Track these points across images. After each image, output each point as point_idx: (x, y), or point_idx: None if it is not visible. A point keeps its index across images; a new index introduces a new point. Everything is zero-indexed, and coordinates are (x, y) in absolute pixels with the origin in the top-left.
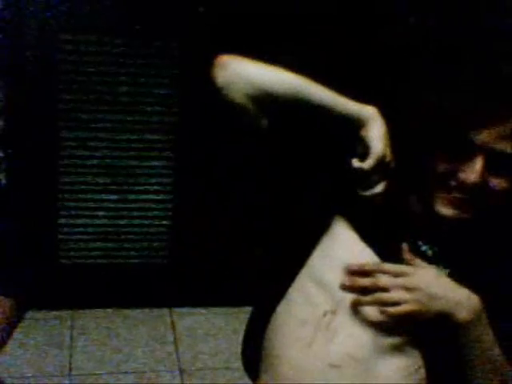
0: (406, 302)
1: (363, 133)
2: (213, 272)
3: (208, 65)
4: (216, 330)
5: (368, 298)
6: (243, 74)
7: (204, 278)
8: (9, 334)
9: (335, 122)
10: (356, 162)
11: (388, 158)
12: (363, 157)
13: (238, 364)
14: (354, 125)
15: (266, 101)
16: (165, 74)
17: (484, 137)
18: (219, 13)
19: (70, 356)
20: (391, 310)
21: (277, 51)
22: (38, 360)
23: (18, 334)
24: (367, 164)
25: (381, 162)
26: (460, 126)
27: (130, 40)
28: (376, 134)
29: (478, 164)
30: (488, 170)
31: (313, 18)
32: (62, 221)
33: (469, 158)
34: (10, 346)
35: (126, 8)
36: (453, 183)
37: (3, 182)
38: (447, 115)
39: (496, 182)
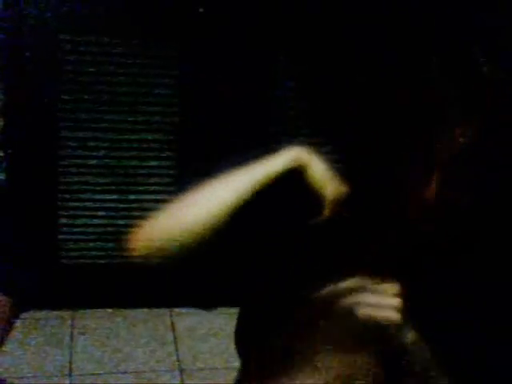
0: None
1: (306, 178)
2: (213, 272)
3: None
4: (216, 330)
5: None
6: (179, 227)
7: (204, 278)
8: (8, 334)
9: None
10: (316, 220)
11: (339, 192)
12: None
13: (238, 364)
14: (296, 174)
15: (214, 225)
16: (165, 74)
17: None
18: (219, 13)
19: (70, 356)
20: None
21: (277, 50)
22: (38, 360)
23: (18, 333)
24: (326, 213)
25: (336, 199)
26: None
27: (130, 40)
28: (317, 176)
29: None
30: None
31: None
32: (62, 221)
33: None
34: (9, 346)
35: (125, 9)
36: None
37: (3, 180)
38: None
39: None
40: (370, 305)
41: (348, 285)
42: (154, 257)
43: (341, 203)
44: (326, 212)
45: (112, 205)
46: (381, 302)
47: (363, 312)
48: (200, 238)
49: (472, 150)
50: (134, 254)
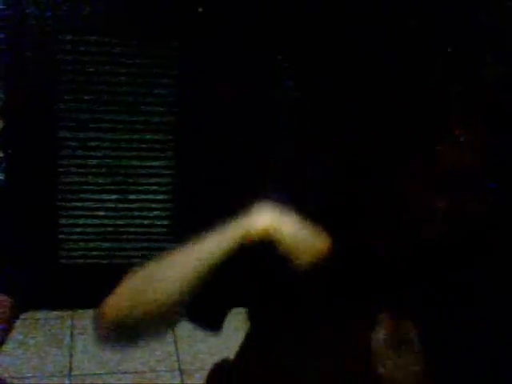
0: None
1: (277, 246)
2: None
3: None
4: None
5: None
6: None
7: None
8: (8, 334)
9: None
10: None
11: (318, 252)
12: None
13: None
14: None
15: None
16: (165, 74)
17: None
18: (219, 13)
19: (70, 356)
20: None
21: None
22: (38, 360)
23: (18, 334)
24: (306, 283)
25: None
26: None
27: (130, 40)
28: (288, 243)
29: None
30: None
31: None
32: (62, 221)
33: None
34: (9, 345)
35: (125, 8)
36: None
37: (3, 181)
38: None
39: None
40: (398, 367)
41: (390, 337)
42: (129, 329)
43: (325, 260)
44: (307, 274)
45: (112, 205)
46: (408, 369)
47: (388, 371)
48: (173, 306)
49: (473, 149)
50: (109, 326)
